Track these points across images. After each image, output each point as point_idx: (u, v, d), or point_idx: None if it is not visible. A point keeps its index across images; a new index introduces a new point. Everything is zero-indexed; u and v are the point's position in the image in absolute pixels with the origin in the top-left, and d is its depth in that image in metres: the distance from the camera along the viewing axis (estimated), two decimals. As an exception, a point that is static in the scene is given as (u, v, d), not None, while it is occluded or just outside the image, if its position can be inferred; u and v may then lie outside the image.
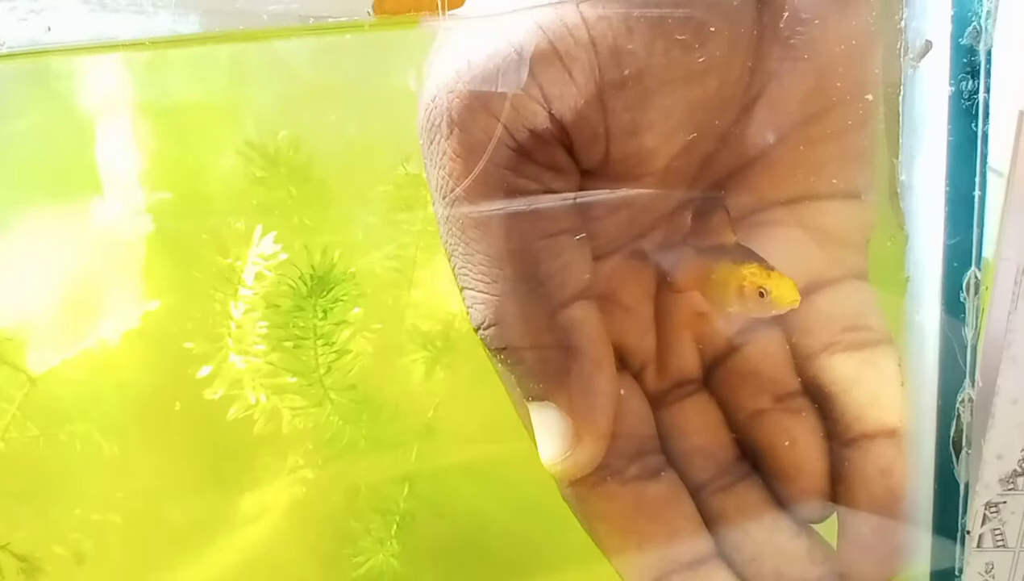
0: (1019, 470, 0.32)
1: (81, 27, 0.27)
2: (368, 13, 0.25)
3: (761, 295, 0.26)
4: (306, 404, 0.36)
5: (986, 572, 0.32)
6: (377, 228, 0.35)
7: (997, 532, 0.32)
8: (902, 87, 0.25)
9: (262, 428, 0.36)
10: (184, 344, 0.35)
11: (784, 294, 0.26)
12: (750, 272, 0.26)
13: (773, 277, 0.26)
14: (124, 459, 0.41)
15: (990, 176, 0.29)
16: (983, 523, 0.32)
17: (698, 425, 0.30)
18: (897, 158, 0.26)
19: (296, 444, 0.37)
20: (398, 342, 0.37)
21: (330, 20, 0.24)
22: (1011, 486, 0.32)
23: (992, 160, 0.28)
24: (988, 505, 0.32)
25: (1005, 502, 0.32)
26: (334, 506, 0.38)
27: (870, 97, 0.27)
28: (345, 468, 0.37)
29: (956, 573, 0.28)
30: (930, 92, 0.24)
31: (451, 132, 0.25)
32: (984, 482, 0.31)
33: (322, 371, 0.34)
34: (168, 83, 0.33)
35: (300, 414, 0.36)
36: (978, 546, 0.33)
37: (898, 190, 0.26)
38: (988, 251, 0.29)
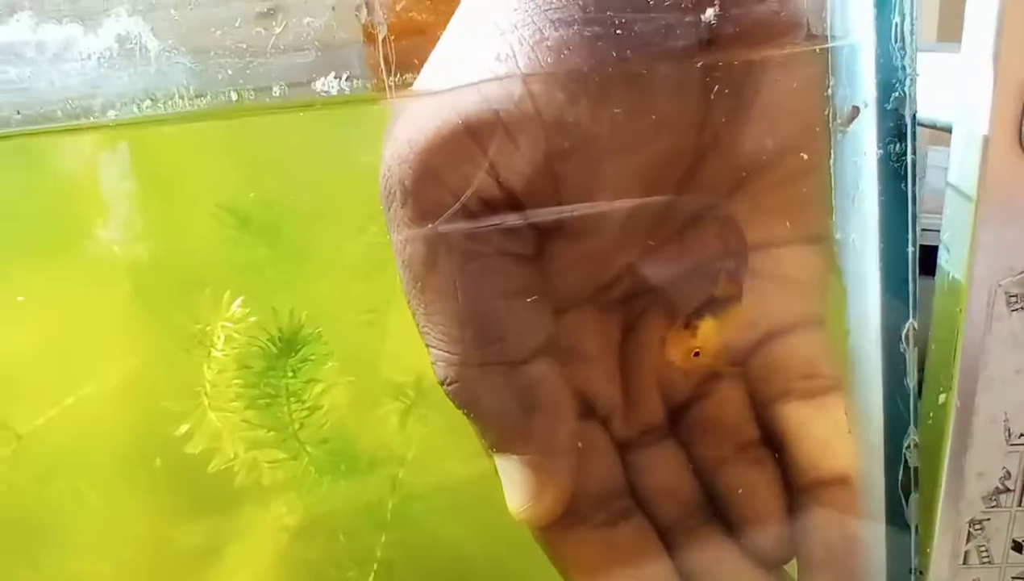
0: (1001, 487, 0.32)
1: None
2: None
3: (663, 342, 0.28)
4: (284, 457, 0.37)
5: (973, 589, 0.33)
6: (350, 285, 0.36)
7: (983, 549, 0.33)
8: (832, 151, 0.25)
9: (243, 480, 0.37)
10: (162, 402, 0.36)
11: (669, 352, 0.28)
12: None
13: (680, 336, 0.27)
14: (112, 511, 0.42)
15: (957, 198, 0.29)
16: (968, 540, 0.33)
17: (664, 469, 0.31)
18: (832, 217, 0.26)
19: (279, 494, 0.38)
20: (373, 394, 0.38)
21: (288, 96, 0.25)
22: (994, 503, 0.32)
23: (958, 181, 0.29)
24: (972, 523, 0.33)
25: (989, 519, 0.33)
26: (317, 554, 0.39)
27: (816, 145, 0.28)
28: (325, 517, 0.38)
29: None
30: (860, 155, 0.25)
31: (405, 201, 0.25)
32: (967, 500, 0.32)
33: (296, 426, 0.35)
34: (140, 149, 0.34)
35: (278, 467, 0.37)
36: (964, 563, 0.33)
37: (835, 248, 0.27)
38: (958, 273, 0.30)
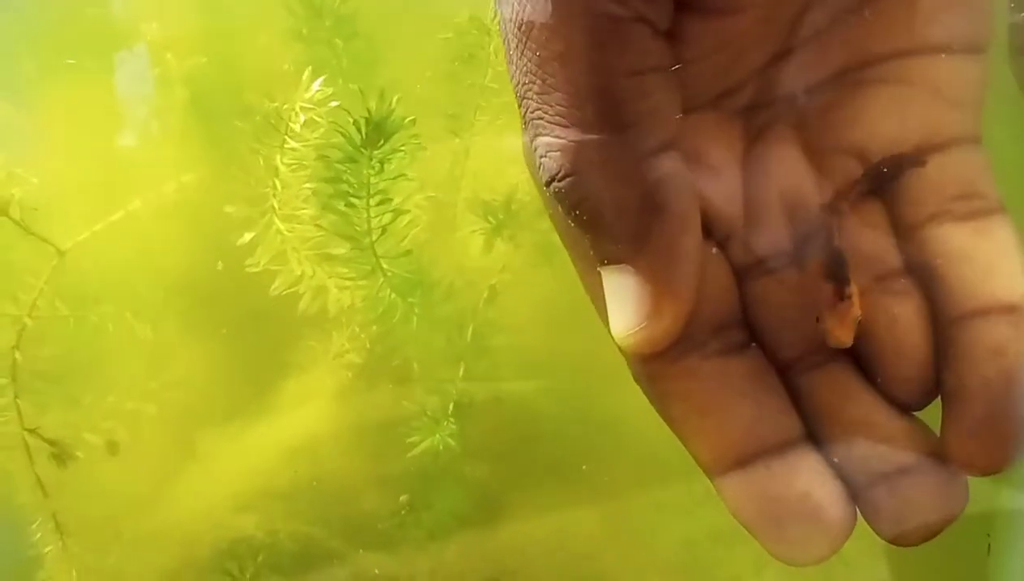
0: None
1: None
2: None
3: (817, 320, 0.25)
4: (355, 276, 0.33)
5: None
6: (433, 82, 0.32)
7: None
8: None
9: (307, 306, 0.34)
10: (224, 208, 0.33)
11: (833, 333, 0.25)
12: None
13: (837, 311, 0.25)
14: (158, 343, 0.40)
15: None
16: None
17: (787, 300, 0.28)
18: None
19: (342, 326, 0.35)
20: (453, 213, 0.34)
21: None
22: None
23: None
24: None
25: None
26: (383, 393, 0.36)
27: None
28: (396, 346, 0.35)
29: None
30: None
31: (525, -57, 0.21)
32: None
33: (375, 235, 0.32)
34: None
35: (348, 288, 0.34)
36: None
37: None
38: None
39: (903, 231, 0.26)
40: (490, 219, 0.33)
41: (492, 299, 0.34)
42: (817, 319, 0.25)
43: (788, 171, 0.27)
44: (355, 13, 0.31)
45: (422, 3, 0.30)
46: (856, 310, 0.25)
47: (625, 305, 0.24)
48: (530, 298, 0.34)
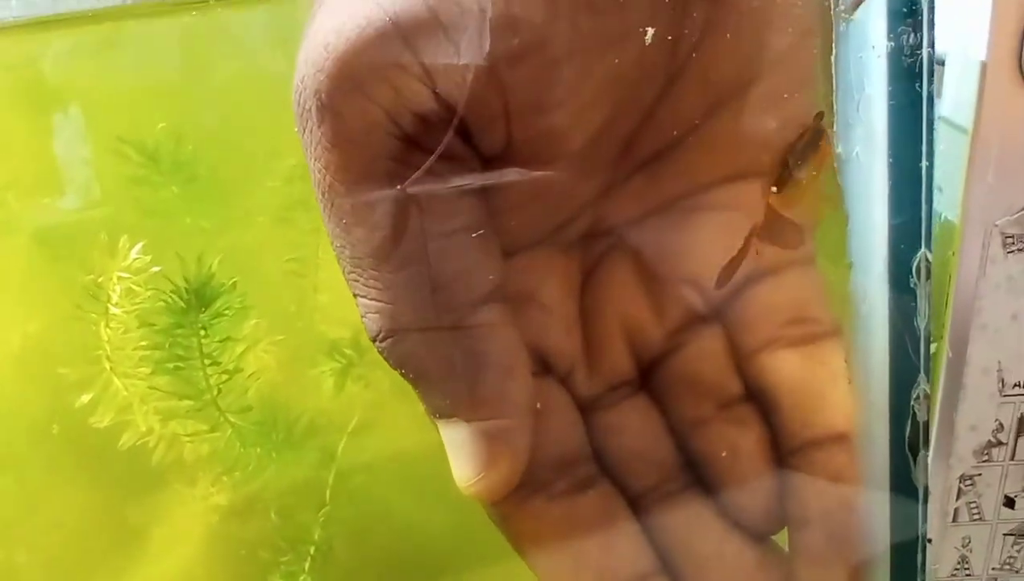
0: (993, 441, 0.31)
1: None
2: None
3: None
4: (203, 429, 0.32)
5: (963, 546, 0.32)
6: (271, 229, 0.32)
7: (973, 505, 0.32)
8: (834, 46, 0.22)
9: (161, 457, 0.33)
10: (58, 369, 0.32)
11: None
12: None
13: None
14: (21, 493, 0.38)
15: (951, 132, 0.27)
16: (958, 497, 0.32)
17: (635, 429, 0.28)
18: (832, 128, 0.23)
19: (206, 469, 0.34)
20: (306, 354, 0.33)
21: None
22: (985, 457, 0.32)
23: (951, 114, 0.27)
24: (963, 478, 0.32)
25: (980, 474, 0.31)
26: (250, 534, 0.35)
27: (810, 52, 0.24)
28: (256, 495, 0.34)
29: (918, 585, 0.26)
30: (867, 49, 0.21)
31: (323, 119, 0.21)
32: (958, 455, 0.30)
33: (214, 393, 0.31)
34: (26, 69, 0.29)
35: (200, 440, 0.33)
36: (954, 521, 0.32)
37: (835, 164, 0.23)
38: (951, 213, 0.28)
39: (741, 357, 0.27)
40: (338, 358, 0.33)
41: (354, 435, 0.33)
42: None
43: (627, 299, 0.27)
44: (193, 158, 0.30)
45: (249, 150, 0.30)
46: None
47: (462, 457, 0.24)
48: (395, 426, 0.34)
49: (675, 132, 0.26)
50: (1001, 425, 0.30)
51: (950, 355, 0.29)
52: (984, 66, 0.26)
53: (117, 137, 0.30)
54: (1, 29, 0.23)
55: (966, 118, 0.27)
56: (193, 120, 0.30)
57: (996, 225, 0.28)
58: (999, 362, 0.29)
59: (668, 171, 0.27)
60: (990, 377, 0.30)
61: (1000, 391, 0.30)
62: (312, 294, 0.32)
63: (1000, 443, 0.30)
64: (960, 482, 0.31)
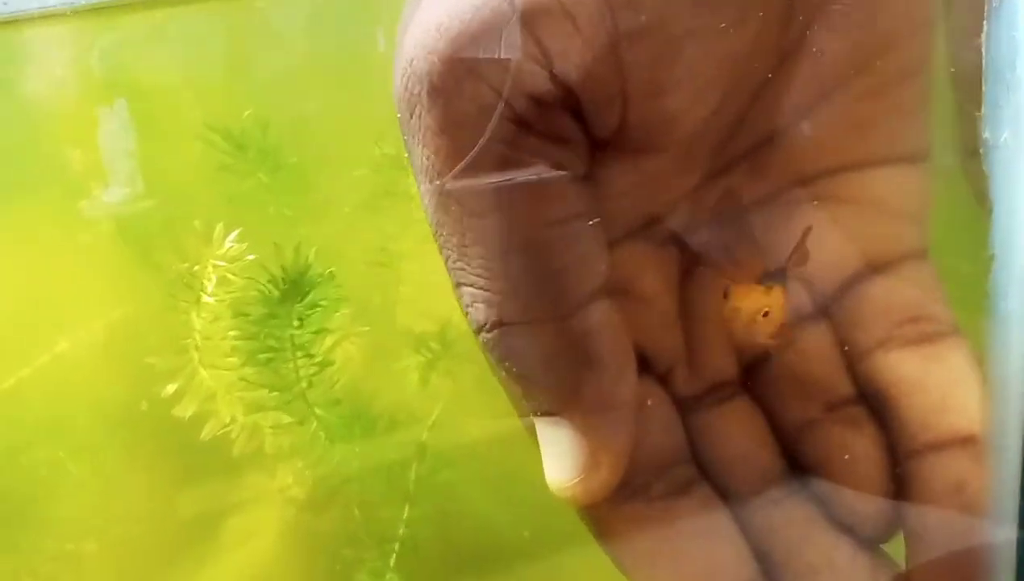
0: None
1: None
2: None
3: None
4: (289, 421, 0.32)
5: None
6: (357, 218, 0.31)
7: None
8: (985, 22, 0.20)
9: (242, 448, 0.32)
10: (146, 359, 0.31)
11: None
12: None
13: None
14: (96, 483, 0.38)
15: None
16: None
17: (738, 432, 0.26)
18: (979, 110, 0.21)
19: (284, 462, 0.33)
20: (390, 346, 0.33)
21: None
22: None
23: None
24: None
25: None
26: (329, 528, 0.35)
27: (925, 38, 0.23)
28: (338, 489, 0.34)
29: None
30: (1018, 28, 0.20)
31: (433, 103, 0.20)
32: None
33: (303, 385, 0.31)
34: (116, 61, 0.29)
35: (283, 432, 0.32)
36: None
37: (980, 149, 0.22)
38: None
39: (852, 357, 0.25)
40: (424, 352, 0.32)
41: (435, 431, 0.33)
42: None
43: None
44: (278, 146, 0.30)
45: (337, 137, 0.29)
46: (766, 302, 0.24)
47: (560, 457, 0.23)
48: (478, 423, 0.33)
49: (782, 119, 0.25)
50: None
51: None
52: None
53: (204, 125, 0.30)
54: (75, 13, 0.22)
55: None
56: (278, 107, 0.30)
57: None
58: None
59: (772, 161, 0.25)
60: None
61: None
62: (396, 286, 0.31)
63: None
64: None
